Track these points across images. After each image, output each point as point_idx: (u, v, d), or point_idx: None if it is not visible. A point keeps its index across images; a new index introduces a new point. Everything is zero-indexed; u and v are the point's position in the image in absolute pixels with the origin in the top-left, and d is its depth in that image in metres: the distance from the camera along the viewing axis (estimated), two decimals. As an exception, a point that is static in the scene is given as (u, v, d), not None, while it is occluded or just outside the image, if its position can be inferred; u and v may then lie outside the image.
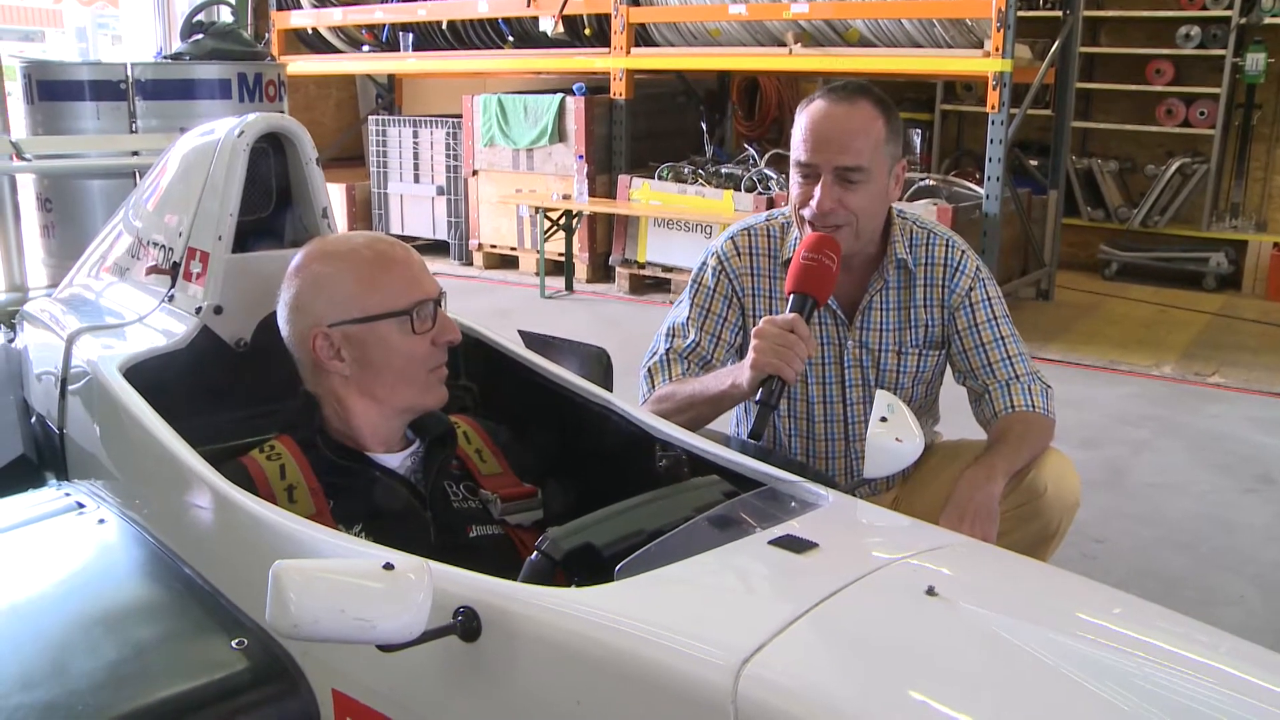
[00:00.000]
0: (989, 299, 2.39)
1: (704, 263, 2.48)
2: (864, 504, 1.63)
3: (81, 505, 1.97)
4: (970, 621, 1.26)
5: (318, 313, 1.81)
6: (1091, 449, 4.50)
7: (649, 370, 2.41)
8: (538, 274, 7.48)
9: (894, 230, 2.37)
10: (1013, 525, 2.23)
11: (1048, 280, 7.39)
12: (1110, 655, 1.21)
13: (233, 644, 1.53)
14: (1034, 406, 2.30)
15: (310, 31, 9.35)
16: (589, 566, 1.42)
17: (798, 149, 2.26)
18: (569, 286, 7.63)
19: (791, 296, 2.12)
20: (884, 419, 1.77)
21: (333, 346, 1.81)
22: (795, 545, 1.38)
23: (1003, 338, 2.37)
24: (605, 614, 1.26)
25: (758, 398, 2.06)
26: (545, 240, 7.44)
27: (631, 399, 2.31)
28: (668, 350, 2.41)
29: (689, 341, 2.40)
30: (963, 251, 2.40)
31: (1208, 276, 7.76)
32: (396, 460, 1.87)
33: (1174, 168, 8.01)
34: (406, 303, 1.80)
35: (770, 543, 1.39)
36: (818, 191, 2.22)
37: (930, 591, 1.26)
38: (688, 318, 2.43)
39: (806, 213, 2.25)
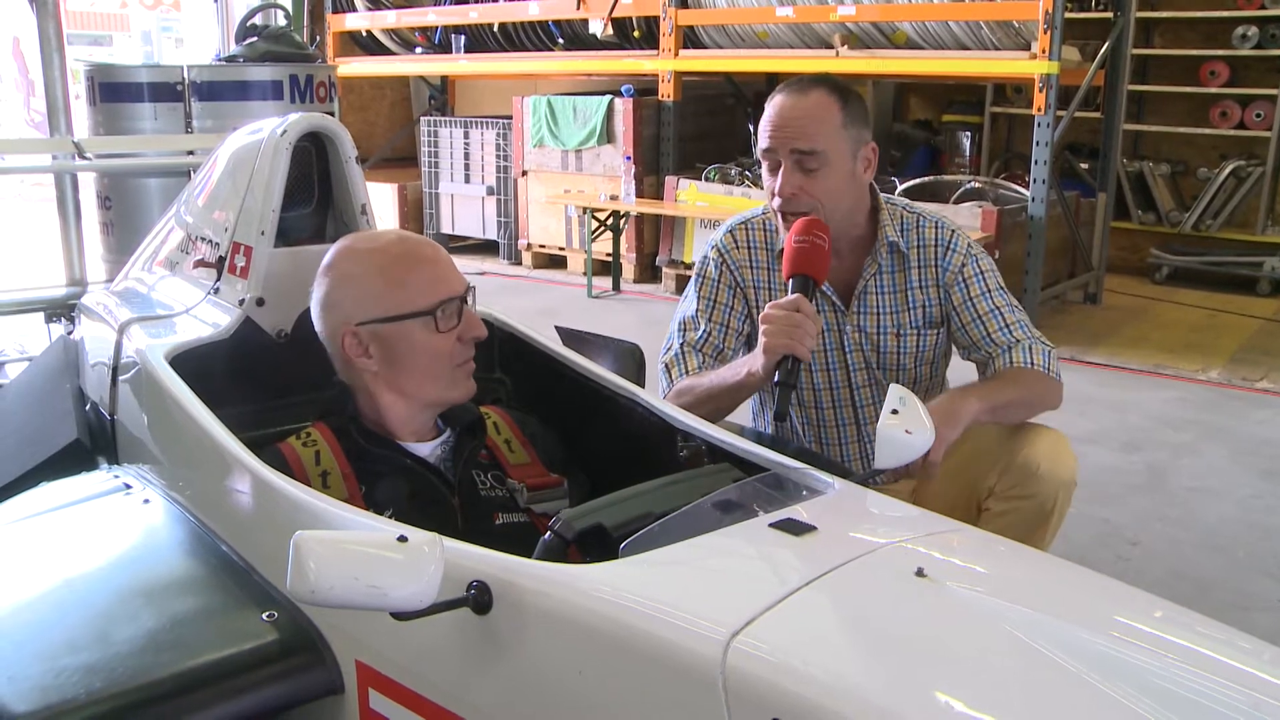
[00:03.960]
0: (981, 272, 2.42)
1: (705, 256, 2.53)
2: (871, 492, 1.67)
3: (129, 486, 2.05)
4: (955, 602, 1.29)
5: (346, 311, 1.86)
6: (1132, 452, 4.49)
7: (666, 365, 2.46)
8: (585, 274, 7.56)
9: (882, 215, 2.41)
10: (1009, 504, 2.24)
11: (1095, 284, 7.33)
12: (1101, 642, 1.23)
13: (263, 616, 1.60)
14: (1033, 364, 2.31)
15: (365, 34, 9.52)
16: (601, 546, 1.48)
17: (760, 139, 2.33)
18: (616, 286, 7.70)
19: (791, 280, 2.16)
20: (895, 411, 1.80)
21: (361, 344, 1.86)
22: (794, 528, 1.42)
23: (998, 308, 2.39)
24: (607, 590, 1.31)
25: (776, 379, 2.09)
26: (593, 240, 7.52)
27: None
28: (682, 344, 2.45)
29: (700, 333, 2.44)
30: (953, 231, 2.44)
31: (1261, 281, 7.62)
32: (427, 449, 1.93)
33: (1228, 171, 7.89)
34: (431, 302, 1.83)
35: (770, 525, 1.44)
36: (780, 178, 2.28)
37: (919, 573, 1.30)
38: (696, 310, 2.47)
39: (776, 202, 2.31)
